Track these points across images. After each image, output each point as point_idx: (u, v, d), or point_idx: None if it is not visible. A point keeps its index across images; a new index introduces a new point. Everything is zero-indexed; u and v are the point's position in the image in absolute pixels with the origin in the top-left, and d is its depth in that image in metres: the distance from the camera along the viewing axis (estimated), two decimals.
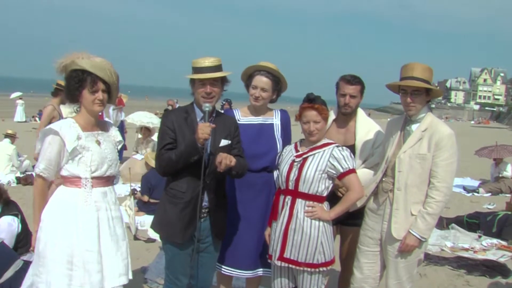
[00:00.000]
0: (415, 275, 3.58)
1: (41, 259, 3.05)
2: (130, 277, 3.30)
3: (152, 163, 8.13)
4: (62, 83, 7.25)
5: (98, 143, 3.16)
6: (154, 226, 3.52)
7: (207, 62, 3.27)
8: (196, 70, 3.30)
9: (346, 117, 3.93)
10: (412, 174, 3.38)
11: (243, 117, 3.81)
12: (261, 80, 3.68)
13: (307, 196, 3.36)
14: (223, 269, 3.79)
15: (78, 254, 3.02)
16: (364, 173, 3.73)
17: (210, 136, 3.14)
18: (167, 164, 3.24)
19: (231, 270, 3.78)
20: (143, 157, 8.88)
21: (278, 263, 3.42)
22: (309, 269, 3.38)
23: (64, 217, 3.04)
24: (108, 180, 3.21)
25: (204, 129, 3.11)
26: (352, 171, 3.37)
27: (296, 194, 3.38)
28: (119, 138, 3.38)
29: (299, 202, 3.37)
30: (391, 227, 3.43)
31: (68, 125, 3.07)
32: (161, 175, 3.38)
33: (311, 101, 3.36)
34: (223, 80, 3.38)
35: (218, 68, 3.31)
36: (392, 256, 3.48)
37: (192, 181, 3.26)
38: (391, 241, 3.46)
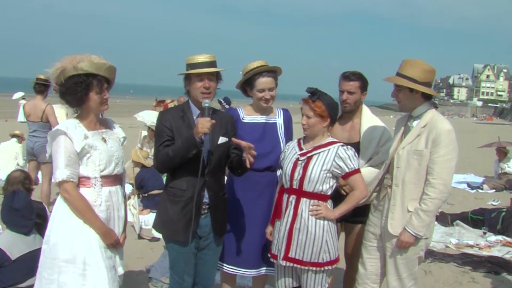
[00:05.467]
0: (417, 273, 3.53)
1: (49, 260, 2.99)
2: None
3: (140, 159, 8.17)
4: (43, 77, 7.06)
5: (104, 140, 3.12)
6: (156, 225, 3.52)
7: (203, 57, 3.29)
8: (192, 66, 3.29)
9: (349, 114, 3.90)
10: (410, 171, 3.36)
11: (247, 115, 3.80)
12: (266, 82, 3.69)
13: (311, 195, 3.35)
14: (226, 268, 3.79)
15: (92, 253, 2.98)
16: (369, 172, 3.72)
17: (209, 131, 3.13)
18: (163, 160, 3.24)
19: (235, 269, 3.77)
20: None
21: (283, 263, 3.40)
22: (314, 268, 3.37)
23: (75, 217, 2.99)
24: (116, 179, 3.17)
25: (204, 124, 3.09)
26: (357, 171, 3.36)
27: (300, 193, 3.36)
28: (123, 134, 3.35)
29: (304, 202, 3.36)
30: (387, 223, 3.42)
31: (74, 126, 3.01)
32: (159, 171, 3.39)
33: (311, 94, 3.34)
34: (218, 77, 3.38)
35: (213, 64, 3.31)
36: (390, 252, 3.46)
37: (192, 179, 3.25)
38: (389, 237, 3.45)
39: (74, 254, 2.95)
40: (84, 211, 2.98)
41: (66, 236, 2.97)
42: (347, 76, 3.80)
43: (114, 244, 3.09)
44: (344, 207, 3.40)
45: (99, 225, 3.02)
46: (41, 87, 7.13)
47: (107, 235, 3.05)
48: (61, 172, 2.94)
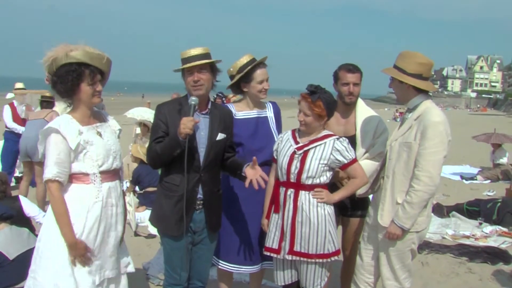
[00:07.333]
0: (411, 265, 3.52)
1: (43, 260, 2.92)
2: (131, 269, 3.26)
3: (140, 155, 8.15)
4: (48, 94, 7.52)
5: (100, 135, 3.03)
6: (151, 220, 3.52)
7: (194, 51, 3.24)
8: (184, 60, 3.26)
9: (347, 107, 3.87)
10: (399, 162, 3.35)
11: (238, 111, 3.77)
12: (265, 73, 3.72)
13: (310, 187, 3.35)
14: (224, 266, 3.76)
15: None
16: (366, 164, 3.69)
17: (192, 131, 3.09)
18: (152, 157, 3.25)
19: (234, 267, 3.75)
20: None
21: (289, 257, 3.39)
22: (320, 260, 3.37)
23: (72, 215, 2.90)
24: (115, 174, 3.11)
25: (186, 124, 3.05)
26: (355, 160, 3.38)
27: (298, 186, 3.36)
28: (118, 126, 3.27)
29: (303, 194, 3.35)
30: (378, 214, 3.43)
31: (66, 122, 2.92)
32: (152, 167, 3.40)
33: (311, 93, 3.33)
34: (213, 70, 3.32)
35: (205, 56, 3.25)
36: (382, 243, 3.46)
37: (186, 174, 3.21)
38: (381, 229, 3.44)
39: (67, 254, 2.89)
40: (60, 215, 2.88)
41: (59, 235, 2.89)
42: (351, 69, 3.78)
43: (81, 257, 2.91)
44: (344, 192, 3.43)
45: (68, 234, 2.88)
46: (49, 104, 7.63)
47: (73, 246, 2.89)
48: (49, 171, 2.85)
